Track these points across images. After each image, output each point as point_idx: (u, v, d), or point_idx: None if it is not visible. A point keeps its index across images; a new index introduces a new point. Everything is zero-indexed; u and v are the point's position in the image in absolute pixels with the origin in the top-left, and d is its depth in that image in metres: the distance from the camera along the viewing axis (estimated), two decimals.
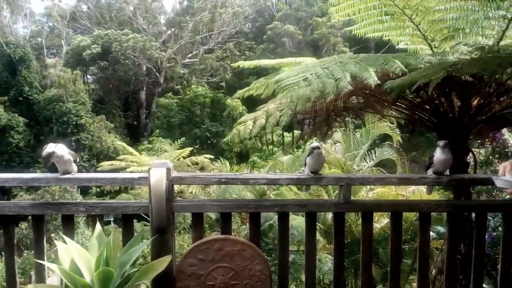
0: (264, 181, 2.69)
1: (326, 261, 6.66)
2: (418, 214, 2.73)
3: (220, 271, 2.48)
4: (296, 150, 15.30)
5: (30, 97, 22.97)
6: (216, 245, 2.50)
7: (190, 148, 14.26)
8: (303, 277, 6.69)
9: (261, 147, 21.28)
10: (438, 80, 2.89)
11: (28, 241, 12.06)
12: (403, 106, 3.89)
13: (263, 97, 4.97)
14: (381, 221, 7.10)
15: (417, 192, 7.12)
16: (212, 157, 14.66)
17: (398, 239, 2.70)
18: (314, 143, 2.63)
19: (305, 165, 2.63)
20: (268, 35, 30.08)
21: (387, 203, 3.16)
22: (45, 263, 2.39)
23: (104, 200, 10.47)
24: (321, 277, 6.89)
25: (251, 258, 2.50)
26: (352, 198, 2.62)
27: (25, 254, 10.70)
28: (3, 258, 2.59)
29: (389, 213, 2.73)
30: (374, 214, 2.99)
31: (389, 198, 6.80)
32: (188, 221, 9.30)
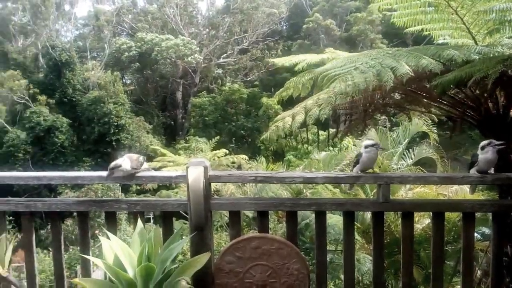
0: (301, 180, 2.69)
1: (365, 261, 6.54)
2: (461, 215, 2.64)
3: (258, 269, 2.50)
4: (331, 148, 15.13)
5: (74, 99, 23.92)
6: (254, 243, 2.51)
7: (226, 151, 14.39)
8: (341, 277, 6.62)
9: (297, 146, 21.19)
10: (496, 75, 2.76)
11: (73, 237, 12.58)
12: (445, 102, 3.77)
13: (301, 95, 4.96)
14: (422, 222, 6.89)
15: (460, 193, 6.86)
16: (247, 158, 14.73)
17: (441, 240, 2.62)
18: (369, 140, 2.59)
19: (356, 163, 2.59)
20: (304, 32, 29.88)
21: (428, 202, 3.08)
22: (91, 257, 2.49)
23: (144, 197, 10.73)
24: (360, 277, 6.78)
25: (288, 256, 2.50)
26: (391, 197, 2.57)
27: (70, 250, 11.17)
28: (51, 252, 2.72)
29: (431, 213, 2.66)
30: (415, 214, 2.91)
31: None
32: (226, 218, 9.40)
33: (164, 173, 3.26)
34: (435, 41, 4.12)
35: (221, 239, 9.30)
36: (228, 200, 2.84)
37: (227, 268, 2.52)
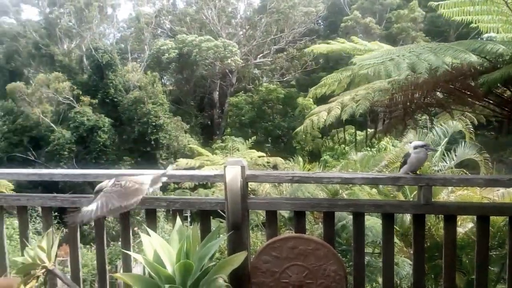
0: (338, 180, 2.65)
1: (403, 265, 6.38)
2: (507, 219, 2.52)
3: (295, 269, 2.49)
4: (369, 149, 14.84)
5: (115, 99, 24.69)
6: (290, 243, 2.51)
7: (262, 154, 14.43)
8: (378, 280, 6.48)
9: (333, 146, 20.93)
10: None
11: (114, 233, 13.00)
12: (491, 101, 3.61)
13: (337, 93, 4.88)
14: (464, 226, 6.64)
15: (507, 196, 6.56)
16: (283, 160, 14.70)
17: (485, 245, 2.52)
18: (418, 141, 2.53)
19: (403, 163, 2.53)
20: (341, 30, 29.46)
21: (473, 205, 2.96)
22: (132, 253, 2.56)
23: (183, 196, 10.94)
24: (399, 281, 6.62)
25: (325, 257, 2.48)
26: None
27: (111, 246, 11.56)
28: (95, 247, 2.82)
29: (475, 217, 2.56)
30: (457, 217, 2.81)
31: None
32: (262, 217, 9.42)
33: (202, 172, 3.32)
34: (481, 37, 3.96)
35: (257, 239, 9.33)
36: (265, 200, 2.85)
37: (264, 267, 2.53)
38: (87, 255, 11.53)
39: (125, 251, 2.62)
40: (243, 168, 2.53)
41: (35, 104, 23.29)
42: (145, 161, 22.57)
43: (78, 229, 2.81)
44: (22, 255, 2.63)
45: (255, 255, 2.56)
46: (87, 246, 12.25)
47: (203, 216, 2.73)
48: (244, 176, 2.53)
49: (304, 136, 23.44)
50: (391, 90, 3.89)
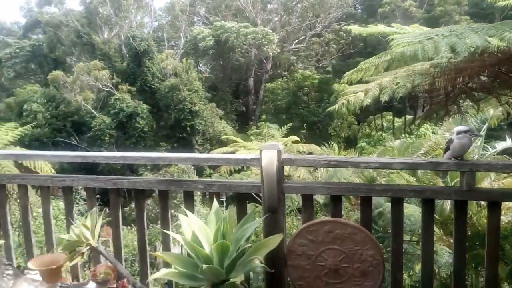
0: (376, 165, 2.60)
1: (442, 253, 6.21)
2: None
3: (331, 253, 2.48)
4: (407, 135, 14.46)
5: (153, 86, 25.21)
6: (326, 227, 2.50)
7: (297, 138, 14.31)
8: (415, 268, 6.35)
9: (370, 133, 20.55)
10: None
11: (153, 215, 13.41)
12: None
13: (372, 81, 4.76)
14: (508, 214, 6.38)
15: None
16: (318, 147, 14.57)
17: None
18: (462, 126, 2.44)
19: (446, 149, 2.46)
20: (379, 15, 28.61)
21: None
22: (171, 233, 2.63)
23: (220, 179, 11.08)
24: (437, 270, 6.46)
25: (362, 242, 2.45)
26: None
27: (151, 227, 11.92)
28: (136, 227, 2.92)
29: None
30: (502, 205, 2.70)
31: None
32: (297, 203, 9.41)
33: (238, 155, 3.34)
34: None
35: (292, 224, 9.35)
36: (301, 184, 2.84)
37: (299, 250, 2.54)
38: (128, 236, 11.96)
39: (164, 230, 2.70)
40: (279, 152, 2.53)
41: (77, 91, 24.13)
42: (182, 147, 23.01)
43: (120, 209, 2.91)
44: (68, 233, 2.76)
45: (291, 238, 2.57)
46: (128, 227, 12.72)
47: (239, 199, 2.76)
48: (280, 160, 2.53)
49: (339, 123, 23.13)
50: (433, 73, 3.75)
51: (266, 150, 2.52)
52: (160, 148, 23.03)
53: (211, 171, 18.58)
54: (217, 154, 3.34)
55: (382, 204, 7.64)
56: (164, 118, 24.78)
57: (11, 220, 3.22)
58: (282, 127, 17.08)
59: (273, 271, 2.43)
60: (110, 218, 2.94)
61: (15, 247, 3.28)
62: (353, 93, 4.74)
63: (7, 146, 8.91)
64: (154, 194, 16.84)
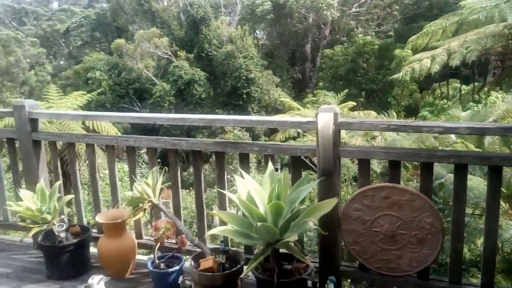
0: (440, 129, 2.48)
1: (507, 227, 5.89)
2: None
3: (387, 219, 2.44)
4: (474, 104, 13.57)
5: (210, 54, 25.46)
6: (383, 193, 2.44)
7: (353, 103, 13.88)
8: (477, 242, 6.10)
9: (433, 101, 19.50)
10: None
11: (210, 179, 13.85)
12: None
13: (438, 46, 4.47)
14: None
15: None
16: (376, 114, 14.07)
17: None
18: None
19: None
20: None
21: None
22: (227, 193, 2.70)
23: (275, 142, 11.15)
24: (500, 244, 6.16)
25: (421, 209, 2.37)
26: None
27: (207, 191, 12.37)
28: (194, 187, 3.03)
29: None
30: None
31: None
32: (353, 172, 9.27)
33: (294, 118, 3.31)
34: None
35: (346, 193, 9.26)
36: (358, 148, 2.78)
37: (354, 215, 2.51)
38: (187, 199, 12.51)
39: (220, 190, 2.77)
40: (335, 115, 2.48)
41: (138, 58, 24.93)
42: (237, 114, 23.28)
43: (179, 169, 3.03)
44: (132, 190, 2.92)
45: (346, 203, 2.55)
46: (186, 190, 13.28)
47: (294, 162, 2.76)
48: (336, 123, 2.48)
49: (400, 91, 22.14)
50: (507, 35, 3.44)
51: (322, 113, 2.48)
52: (216, 115, 23.43)
53: (266, 138, 18.71)
54: (273, 116, 3.34)
55: (444, 175, 7.34)
56: (220, 85, 25.07)
57: (81, 180, 3.45)
58: (339, 94, 16.65)
59: (327, 233, 2.43)
60: (169, 177, 3.06)
61: (84, 205, 3.52)
62: (418, 61, 4.50)
63: (76, 111, 9.52)
64: (210, 159, 17.35)
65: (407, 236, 2.41)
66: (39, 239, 3.05)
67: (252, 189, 2.44)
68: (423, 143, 8.31)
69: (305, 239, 3.30)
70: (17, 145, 3.46)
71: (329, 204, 2.40)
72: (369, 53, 25.08)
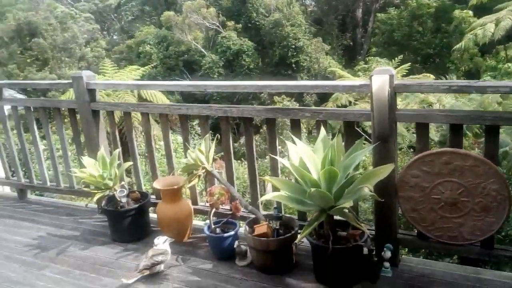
0: (506, 89, 2.29)
1: None
2: None
3: (448, 185, 2.32)
4: None
5: (257, 23, 25.11)
6: (444, 158, 2.32)
7: (408, 65, 13.18)
8: None
9: (496, 65, 18.18)
10: None
11: (260, 150, 13.94)
12: None
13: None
14: None
15: None
16: (433, 77, 13.34)
17: None
18: None
19: None
20: None
21: None
22: (279, 158, 2.69)
23: (327, 107, 10.97)
24: None
25: (485, 175, 2.24)
26: None
27: (259, 162, 12.47)
28: (246, 154, 3.05)
29: None
30: None
31: None
32: (408, 140, 8.98)
33: (347, 82, 3.20)
34: None
35: (402, 162, 8.99)
36: (416, 112, 2.64)
37: (412, 181, 2.42)
38: (239, 169, 12.71)
39: (272, 155, 2.77)
40: (391, 77, 2.36)
41: (187, 30, 25.11)
42: None
43: (231, 137, 3.05)
44: (186, 157, 2.99)
45: (403, 169, 2.45)
46: (238, 161, 13.48)
47: (347, 128, 2.68)
48: (392, 85, 2.36)
49: (460, 55, 20.81)
50: None
51: (377, 75, 2.37)
52: None
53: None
54: (324, 81, 3.26)
55: (508, 143, 6.92)
56: (269, 55, 24.79)
57: (138, 152, 3.59)
58: (393, 60, 15.93)
59: (383, 200, 2.36)
60: (222, 145, 3.10)
61: (142, 175, 3.67)
62: (481, 26, 4.16)
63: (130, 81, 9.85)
64: (261, 130, 17.40)
65: (470, 203, 2.29)
66: (102, 204, 3.23)
67: (305, 155, 2.41)
68: (485, 110, 7.83)
69: (359, 208, 3.25)
70: (78, 117, 3.63)
71: (385, 170, 2.32)
72: (425, 16, 23.62)
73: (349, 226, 2.46)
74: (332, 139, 2.46)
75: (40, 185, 4.12)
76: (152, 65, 18.73)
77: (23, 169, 4.34)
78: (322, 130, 2.54)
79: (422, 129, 2.46)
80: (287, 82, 2.73)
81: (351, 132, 2.67)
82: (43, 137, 4.70)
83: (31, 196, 4.35)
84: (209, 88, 3.07)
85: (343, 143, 2.57)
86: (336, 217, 2.48)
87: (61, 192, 4.08)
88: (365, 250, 2.41)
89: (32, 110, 3.91)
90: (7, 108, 4.10)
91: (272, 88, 2.76)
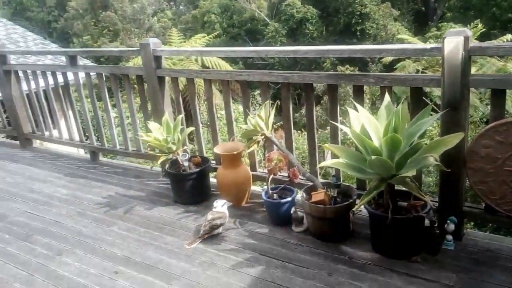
0: None
1: None
2: None
3: None
4: None
5: None
6: None
7: (483, 28, 12.06)
8: None
9: None
10: None
11: (322, 121, 13.75)
12: None
13: None
14: None
15: None
16: None
17: None
18: None
19: None
20: None
21: None
22: (339, 125, 2.64)
23: (393, 73, 10.52)
24: None
25: None
26: None
27: (319, 132, 12.34)
28: (306, 121, 3.01)
29: None
30: None
31: None
32: (480, 113, 8.39)
33: (416, 45, 3.01)
34: None
35: (473, 134, 8.46)
36: (492, 76, 2.44)
37: (483, 152, 2.26)
38: (298, 139, 12.68)
39: (332, 122, 2.71)
40: (466, 38, 2.18)
41: None
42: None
43: (291, 103, 3.03)
44: (246, 123, 3.02)
45: (474, 139, 2.29)
46: (298, 131, 13.43)
47: (414, 95, 2.54)
48: (466, 48, 2.18)
49: None
50: None
51: (450, 37, 2.19)
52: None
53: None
54: (392, 45, 3.10)
55: None
56: (333, 23, 23.97)
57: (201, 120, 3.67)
58: (468, 26, 14.72)
59: (449, 171, 2.24)
60: (282, 112, 3.08)
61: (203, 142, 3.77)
62: None
63: (193, 47, 10.04)
64: (322, 101, 17.10)
65: None
66: (166, 167, 3.38)
67: (367, 121, 2.33)
68: None
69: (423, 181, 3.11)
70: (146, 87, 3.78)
71: (453, 139, 2.18)
72: None
73: (410, 197, 2.37)
74: (397, 106, 2.35)
75: (111, 148, 4.39)
76: (215, 33, 18.85)
77: (96, 134, 4.65)
78: (387, 97, 2.43)
79: (498, 95, 2.27)
80: (351, 46, 2.62)
81: (418, 99, 2.53)
82: (113, 106, 4.98)
83: (102, 158, 4.65)
84: (271, 53, 3.03)
85: (409, 112, 2.45)
86: (397, 187, 2.40)
87: (129, 155, 4.32)
88: (427, 222, 2.32)
89: (104, 79, 4.13)
90: (81, 77, 4.37)
91: (335, 53, 2.67)
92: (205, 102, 4.26)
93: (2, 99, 5.12)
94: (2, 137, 6.14)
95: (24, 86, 4.94)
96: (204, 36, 12.81)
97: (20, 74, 4.89)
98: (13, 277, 2.55)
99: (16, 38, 11.59)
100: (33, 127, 5.05)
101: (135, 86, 4.02)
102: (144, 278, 2.41)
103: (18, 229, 3.14)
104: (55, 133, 4.87)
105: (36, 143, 5.25)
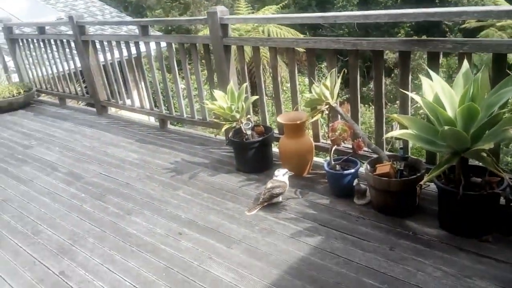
0: None
1: None
2: None
3: None
4: None
5: None
6: None
7: None
8: None
9: None
10: None
11: (391, 96, 13.16)
12: None
13: None
14: None
15: None
16: None
17: None
18: None
19: None
20: None
21: None
22: (410, 93, 2.48)
23: (477, 38, 9.73)
24: None
25: None
26: None
27: (388, 107, 11.83)
28: (374, 89, 2.87)
29: None
30: None
31: None
32: None
33: (503, 6, 2.71)
34: None
35: None
36: None
37: None
38: (366, 114, 12.28)
39: (403, 90, 2.55)
40: None
41: None
42: (427, 24, 20.79)
43: (358, 71, 2.90)
44: (310, 92, 2.95)
45: None
46: (366, 105, 12.98)
47: (496, 63, 2.31)
48: None
49: None
50: None
51: None
52: (403, 24, 21.44)
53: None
54: (472, 7, 2.80)
55: None
56: None
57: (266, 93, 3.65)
58: None
59: None
60: (349, 80, 2.96)
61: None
62: None
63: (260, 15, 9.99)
64: (392, 74, 16.28)
65: None
66: (229, 136, 3.42)
67: (441, 90, 2.16)
68: None
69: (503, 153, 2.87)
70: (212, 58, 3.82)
71: None
72: None
73: (485, 173, 2.19)
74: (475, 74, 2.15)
75: (178, 116, 4.53)
76: (283, 3, 18.50)
77: (165, 105, 4.83)
78: (465, 64, 2.23)
79: None
80: (427, 10, 2.41)
81: (500, 68, 2.30)
82: (182, 78, 5.12)
83: (170, 126, 4.83)
84: (340, 19, 2.89)
85: (490, 81, 2.23)
86: (471, 162, 2.22)
87: (195, 124, 4.43)
88: (502, 200, 2.13)
89: (174, 50, 4.23)
90: (153, 48, 4.52)
91: (409, 16, 2.47)
92: (270, 74, 4.22)
93: (81, 69, 5.46)
94: (82, 104, 6.59)
95: (101, 58, 5.22)
96: (272, 7, 12.65)
97: (97, 46, 5.16)
98: (88, 232, 2.76)
99: (94, 11, 12.26)
100: (108, 96, 5.34)
101: (203, 60, 4.08)
102: (206, 241, 2.49)
103: (93, 189, 3.38)
104: (128, 101, 5.13)
105: (111, 110, 5.57)
